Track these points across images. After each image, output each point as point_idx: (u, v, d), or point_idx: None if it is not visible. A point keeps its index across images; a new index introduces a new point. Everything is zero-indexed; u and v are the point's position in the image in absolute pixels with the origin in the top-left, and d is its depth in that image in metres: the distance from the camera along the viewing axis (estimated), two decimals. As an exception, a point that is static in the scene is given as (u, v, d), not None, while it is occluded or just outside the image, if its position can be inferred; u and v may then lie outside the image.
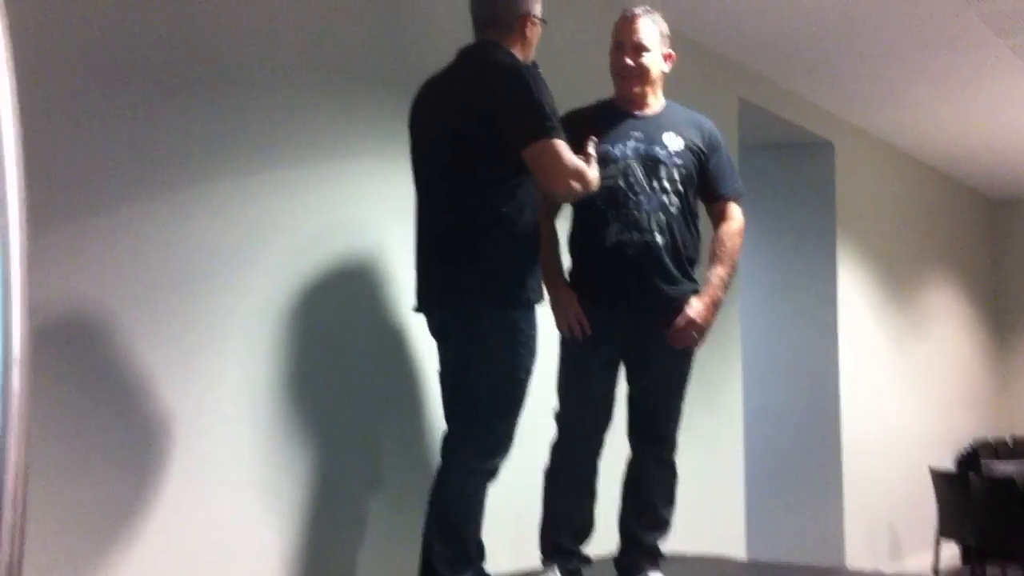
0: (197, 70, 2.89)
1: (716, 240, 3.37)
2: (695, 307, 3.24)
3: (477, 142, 2.85)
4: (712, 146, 3.39)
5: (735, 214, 3.40)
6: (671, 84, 3.50)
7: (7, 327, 1.06)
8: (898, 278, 7.88)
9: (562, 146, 2.79)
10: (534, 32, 3.04)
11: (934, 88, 6.44)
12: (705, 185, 3.37)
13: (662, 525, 3.40)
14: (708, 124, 3.43)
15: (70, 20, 2.58)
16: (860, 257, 7.25)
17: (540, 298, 2.98)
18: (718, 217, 3.40)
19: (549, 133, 2.77)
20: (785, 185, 6.99)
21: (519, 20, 2.99)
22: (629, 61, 3.32)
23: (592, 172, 2.90)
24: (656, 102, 3.40)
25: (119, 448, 2.64)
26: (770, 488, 6.51)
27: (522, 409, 2.92)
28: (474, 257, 2.86)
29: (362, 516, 3.29)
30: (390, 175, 3.35)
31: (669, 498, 3.41)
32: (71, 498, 2.52)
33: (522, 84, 2.80)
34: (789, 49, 5.64)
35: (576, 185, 2.85)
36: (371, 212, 3.40)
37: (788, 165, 6.99)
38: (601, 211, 3.20)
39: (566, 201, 3.17)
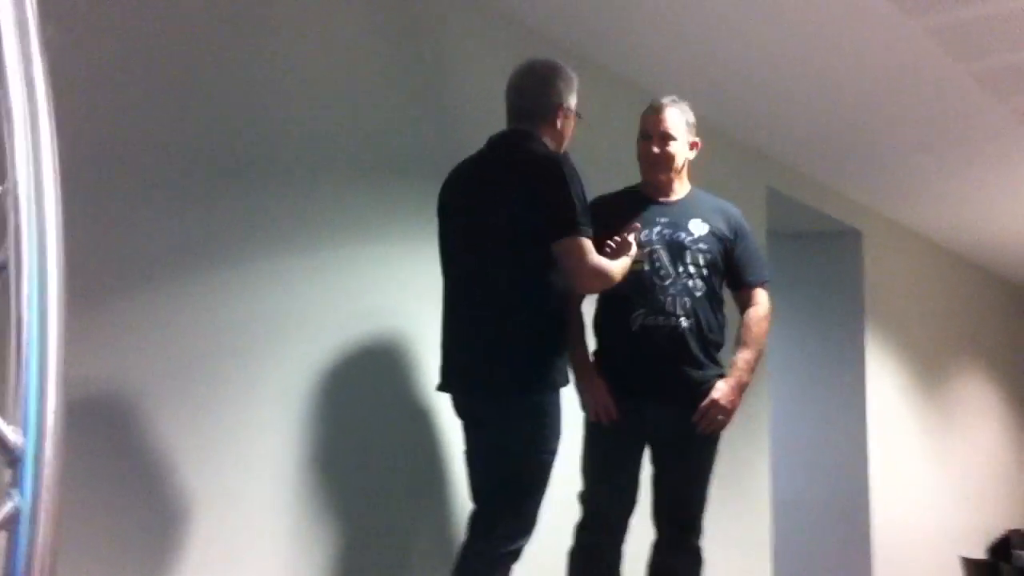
0: (232, 158, 2.96)
1: (742, 325, 3.40)
2: (721, 390, 3.27)
3: (509, 231, 2.91)
4: (738, 232, 3.44)
5: (762, 299, 3.43)
6: (701, 172, 3.57)
7: (43, 399, 1.10)
8: (928, 367, 7.83)
9: (587, 245, 2.85)
10: (567, 124, 3.11)
11: (962, 177, 6.46)
12: (732, 272, 3.41)
13: None
14: (734, 211, 3.48)
15: (114, 109, 2.65)
16: (889, 345, 7.22)
17: (566, 381, 3.01)
18: (745, 303, 3.44)
19: (577, 230, 2.83)
20: (814, 273, 7.01)
21: (553, 111, 3.06)
22: (656, 149, 3.38)
23: (617, 266, 2.98)
24: (682, 189, 3.46)
25: (146, 528, 2.67)
26: (799, 578, 6.43)
27: (546, 490, 2.93)
28: (502, 342, 2.90)
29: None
30: (417, 260, 3.40)
31: None
32: None
33: (555, 178, 2.86)
34: (817, 139, 5.69)
35: (597, 283, 2.97)
36: (398, 296, 3.45)
37: (816, 253, 7.01)
38: (627, 295, 3.24)
39: (587, 294, 3.27)
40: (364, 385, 3.32)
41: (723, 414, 3.29)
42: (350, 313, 3.29)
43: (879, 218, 7.21)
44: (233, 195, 2.95)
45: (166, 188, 2.77)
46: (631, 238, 3.09)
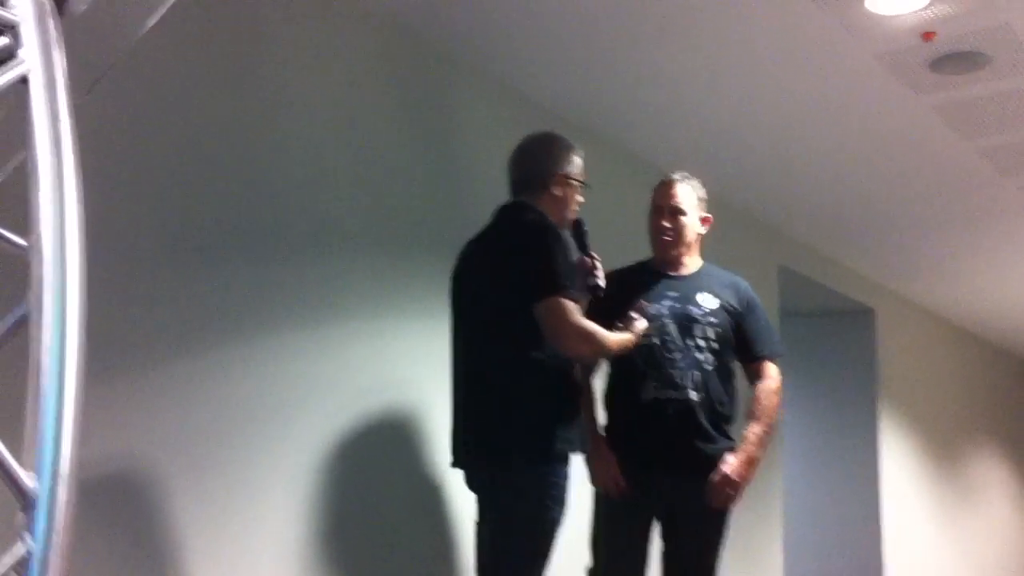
0: (245, 231, 3.00)
1: (753, 399, 3.41)
2: (731, 464, 3.26)
3: (507, 299, 2.92)
4: (748, 305, 3.46)
5: (772, 373, 3.44)
6: (713, 250, 3.60)
7: (58, 446, 1.12)
8: (941, 444, 7.79)
9: (569, 306, 2.83)
10: (568, 192, 3.12)
11: (972, 255, 6.50)
12: (741, 345, 3.42)
13: None
14: (743, 284, 3.51)
15: (127, 181, 2.69)
16: (903, 423, 7.19)
17: (575, 449, 2.99)
18: (754, 376, 3.44)
19: (558, 290, 2.83)
20: (827, 351, 7.02)
21: (549, 180, 3.08)
22: (666, 224, 3.42)
23: (610, 336, 2.97)
24: (692, 263, 3.49)
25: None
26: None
27: (548, 560, 2.90)
28: (506, 414, 2.91)
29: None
30: (430, 334, 3.42)
31: None
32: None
33: (536, 243, 2.89)
34: (828, 216, 5.74)
35: (583, 346, 2.92)
36: (411, 370, 3.47)
37: (829, 331, 7.03)
38: (637, 368, 3.26)
39: (578, 360, 3.10)
40: (376, 460, 3.33)
41: (732, 488, 3.27)
42: (361, 388, 3.31)
43: (892, 296, 7.22)
44: (246, 269, 2.98)
45: (178, 260, 2.80)
46: (636, 316, 3.12)
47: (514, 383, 2.91)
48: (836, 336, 7.02)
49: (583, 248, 3.17)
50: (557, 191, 3.09)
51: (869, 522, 6.71)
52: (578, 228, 3.19)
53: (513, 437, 2.90)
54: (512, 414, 2.90)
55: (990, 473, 8.58)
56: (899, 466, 7.06)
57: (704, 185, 3.53)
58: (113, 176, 2.63)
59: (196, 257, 2.86)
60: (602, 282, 3.15)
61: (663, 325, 3.31)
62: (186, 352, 2.80)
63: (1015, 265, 6.72)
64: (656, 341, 3.28)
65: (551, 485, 2.87)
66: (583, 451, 3.10)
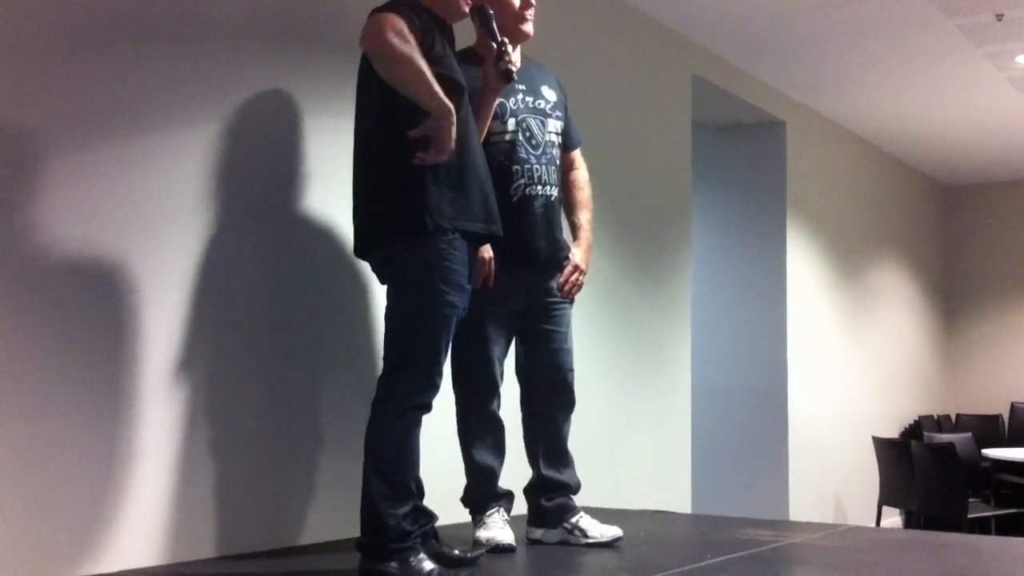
0: (168, 21, 2.96)
1: (575, 187, 3.50)
2: (578, 254, 3.41)
3: (359, 89, 2.91)
4: (566, 96, 3.49)
5: (582, 162, 3.54)
6: (626, 58, 3.57)
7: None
8: (848, 258, 8.01)
9: (389, 19, 2.70)
10: None
11: (885, 70, 6.56)
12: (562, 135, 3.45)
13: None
14: (556, 74, 3.52)
15: None
16: (810, 236, 7.37)
17: (459, 224, 2.88)
18: (570, 165, 3.50)
19: (381, 9, 2.76)
20: (737, 164, 7.11)
21: None
22: (530, 14, 3.33)
23: (431, 83, 2.72)
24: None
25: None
26: (717, 460, 6.65)
27: (443, 354, 2.89)
28: (365, 196, 2.90)
29: (311, 469, 3.38)
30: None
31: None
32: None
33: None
34: (744, 28, 5.74)
35: (392, 66, 2.71)
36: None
37: (740, 144, 7.11)
38: (502, 164, 3.24)
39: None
40: (292, 250, 3.36)
41: (582, 275, 3.42)
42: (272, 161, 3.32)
43: (803, 109, 7.30)
44: (158, 58, 2.95)
45: (91, 48, 2.78)
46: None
47: (373, 168, 2.88)
48: (747, 148, 7.10)
49: (491, 34, 3.11)
50: None
51: (774, 329, 6.93)
52: (482, 14, 3.12)
53: (379, 219, 2.88)
54: (375, 182, 2.88)
55: (890, 281, 8.86)
56: (804, 275, 7.26)
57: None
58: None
59: (111, 46, 2.83)
60: (515, 65, 3.10)
61: (524, 119, 3.30)
62: (105, 136, 2.79)
63: (924, 82, 6.80)
64: (519, 137, 3.28)
65: (438, 266, 2.82)
66: (478, 233, 2.96)
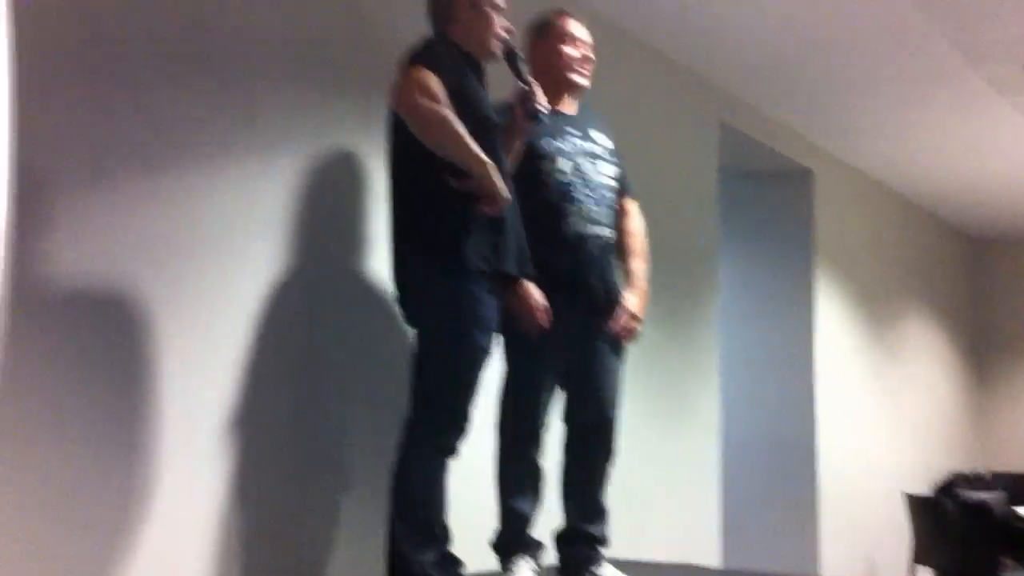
0: (174, 55, 2.92)
1: (629, 235, 3.46)
2: (633, 300, 3.36)
3: (394, 129, 2.89)
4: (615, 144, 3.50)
5: (637, 211, 3.52)
6: (651, 103, 3.57)
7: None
8: (877, 310, 7.92)
9: (420, 76, 2.70)
10: (477, 17, 2.98)
11: (914, 120, 6.51)
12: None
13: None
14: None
15: (57, 7, 2.60)
16: (839, 287, 7.29)
17: (496, 266, 2.89)
18: (623, 213, 3.47)
19: (411, 63, 2.76)
20: (765, 212, 7.04)
21: (453, 8, 2.98)
22: (590, 56, 3.40)
23: (468, 141, 2.73)
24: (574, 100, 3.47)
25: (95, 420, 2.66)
26: (746, 514, 6.51)
27: (473, 396, 2.87)
28: (409, 226, 2.88)
29: (333, 513, 3.30)
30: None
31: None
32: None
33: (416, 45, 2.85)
34: (772, 74, 5.69)
35: (425, 127, 2.71)
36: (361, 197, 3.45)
37: (767, 192, 7.05)
38: (555, 203, 3.24)
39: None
40: (324, 292, 3.31)
41: (637, 322, 3.37)
42: (308, 218, 3.27)
43: (831, 159, 7.24)
44: (183, 94, 2.93)
45: (105, 81, 2.75)
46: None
47: (413, 206, 2.87)
48: (774, 197, 7.04)
49: (518, 75, 3.09)
50: (464, 18, 2.97)
51: (803, 380, 6.82)
52: (509, 55, 3.09)
53: (417, 254, 2.86)
54: (414, 222, 2.86)
55: (920, 334, 8.76)
56: (833, 326, 7.17)
57: (648, 36, 3.50)
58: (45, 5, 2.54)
59: (136, 81, 2.81)
60: (543, 107, 3.07)
61: (576, 162, 3.29)
62: (131, 172, 2.78)
63: (953, 133, 6.73)
64: (572, 178, 3.26)
65: (471, 309, 2.81)
66: (512, 275, 2.97)
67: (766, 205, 7.04)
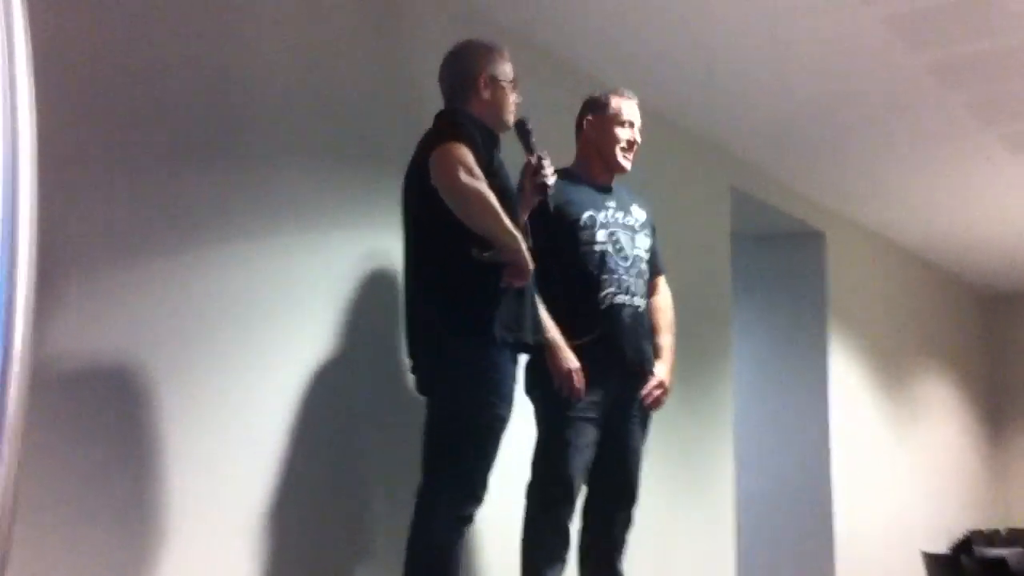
0: (203, 137, 3.02)
1: (659, 311, 3.61)
2: (663, 371, 3.51)
3: (423, 199, 2.91)
4: (655, 223, 3.66)
5: (667, 288, 3.69)
6: (665, 170, 3.68)
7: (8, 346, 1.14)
8: (891, 369, 7.93)
9: (461, 154, 2.75)
10: (497, 93, 3.09)
11: (926, 180, 6.56)
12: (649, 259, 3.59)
13: None
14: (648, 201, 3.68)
15: (82, 91, 2.70)
16: (853, 347, 7.31)
17: (518, 339, 2.95)
18: (654, 290, 3.63)
19: (454, 137, 2.79)
20: (777, 275, 7.09)
21: (473, 83, 3.08)
22: (635, 140, 3.55)
23: (502, 218, 2.79)
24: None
25: (116, 494, 2.71)
26: (762, 570, 6.50)
27: (491, 465, 2.90)
28: (430, 301, 2.92)
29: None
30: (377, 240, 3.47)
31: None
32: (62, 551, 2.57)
33: (446, 117, 2.95)
34: (781, 138, 5.77)
35: (464, 203, 2.75)
36: (372, 282, 3.49)
37: (780, 255, 7.10)
38: (591, 273, 3.37)
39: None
40: (336, 360, 3.34)
41: (666, 394, 3.51)
42: (322, 301, 3.33)
43: (842, 220, 7.30)
44: (202, 178, 3.00)
45: (138, 167, 2.83)
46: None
47: (443, 274, 2.91)
48: (786, 259, 7.09)
49: (528, 147, 3.19)
50: (486, 94, 3.08)
51: (818, 440, 6.83)
52: (521, 128, 3.19)
53: (444, 322, 2.89)
54: (442, 301, 2.91)
55: (936, 396, 8.75)
56: (848, 386, 7.18)
57: (658, 104, 3.61)
58: (69, 85, 2.63)
59: (155, 164, 2.87)
60: (551, 180, 3.16)
61: (614, 233, 3.42)
62: (150, 253, 2.83)
63: (964, 191, 6.79)
64: (608, 248, 3.38)
65: (492, 378, 2.86)
66: (529, 344, 3.04)
67: (779, 268, 7.09)
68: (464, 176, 2.72)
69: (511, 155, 3.18)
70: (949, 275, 9.20)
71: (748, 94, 5.13)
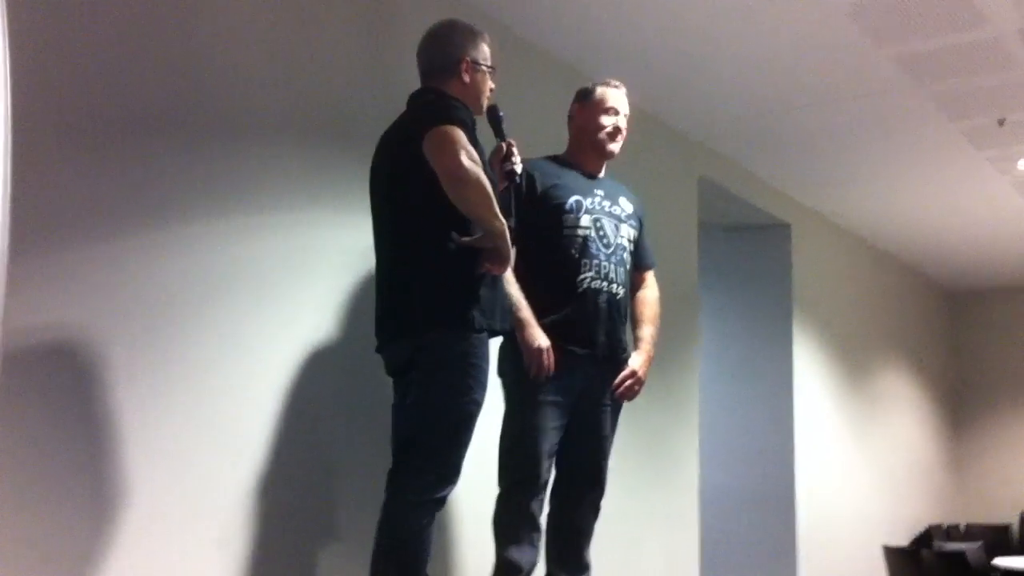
0: (170, 118, 2.98)
1: (643, 303, 3.63)
2: (638, 362, 3.51)
3: (406, 179, 2.90)
4: (644, 217, 3.68)
5: (654, 282, 3.69)
6: (633, 161, 3.70)
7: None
8: (854, 361, 7.98)
9: (456, 131, 2.74)
10: (476, 77, 3.09)
11: (891, 174, 6.59)
12: (636, 252, 3.61)
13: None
14: (639, 198, 3.71)
15: (54, 66, 2.66)
16: (816, 339, 7.35)
17: (495, 327, 2.95)
18: (640, 283, 3.66)
19: (444, 121, 2.77)
20: (743, 265, 7.12)
21: (455, 65, 3.06)
22: (620, 127, 3.58)
23: (493, 202, 2.78)
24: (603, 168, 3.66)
25: (80, 479, 2.67)
26: (726, 566, 6.52)
27: (465, 450, 2.90)
28: (410, 284, 2.89)
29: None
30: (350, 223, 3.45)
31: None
32: (25, 533, 2.55)
33: (433, 98, 2.92)
34: (750, 129, 5.78)
35: (464, 188, 2.73)
36: (338, 259, 3.48)
37: (746, 245, 7.12)
38: (571, 257, 3.38)
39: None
40: (303, 343, 3.32)
41: (639, 384, 3.50)
42: (294, 282, 3.31)
43: (808, 212, 7.33)
44: (170, 154, 2.97)
45: (104, 143, 2.80)
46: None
47: (423, 259, 2.88)
48: (753, 249, 7.12)
49: (499, 134, 3.19)
50: (465, 77, 3.07)
51: (782, 432, 6.86)
52: (493, 114, 3.18)
53: (425, 308, 2.87)
54: (423, 286, 2.88)
55: (896, 385, 8.82)
56: (811, 379, 7.22)
57: (629, 94, 3.64)
58: (40, 64, 2.59)
59: (124, 141, 2.84)
60: (519, 167, 3.19)
61: (599, 219, 3.44)
62: (113, 233, 2.80)
63: (928, 184, 6.82)
64: (591, 234, 3.40)
65: (471, 363, 2.86)
66: (504, 330, 3.08)
67: (745, 258, 7.12)
68: (467, 160, 2.71)
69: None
70: (913, 270, 9.27)
71: (717, 85, 5.13)
